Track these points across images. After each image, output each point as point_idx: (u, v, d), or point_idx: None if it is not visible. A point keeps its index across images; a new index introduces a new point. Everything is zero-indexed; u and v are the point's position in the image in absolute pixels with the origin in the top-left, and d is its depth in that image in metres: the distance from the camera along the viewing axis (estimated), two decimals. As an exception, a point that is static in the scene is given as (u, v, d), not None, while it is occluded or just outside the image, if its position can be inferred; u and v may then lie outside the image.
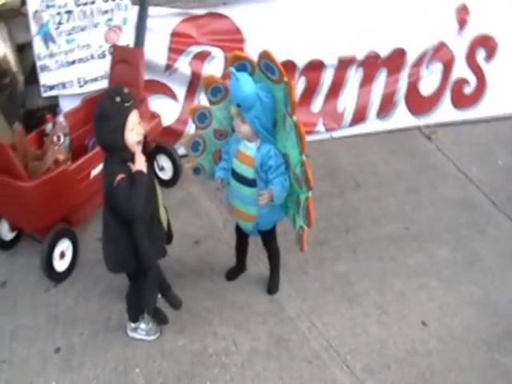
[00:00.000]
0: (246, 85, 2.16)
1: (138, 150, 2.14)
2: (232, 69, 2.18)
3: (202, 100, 3.46)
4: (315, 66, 3.87)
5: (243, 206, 2.47)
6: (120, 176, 2.08)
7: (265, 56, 2.14)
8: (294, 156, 2.26)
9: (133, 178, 2.09)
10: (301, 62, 3.83)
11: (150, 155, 2.34)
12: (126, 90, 2.08)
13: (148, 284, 2.31)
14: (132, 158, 2.13)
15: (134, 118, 2.08)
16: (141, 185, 2.09)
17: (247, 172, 2.38)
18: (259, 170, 2.34)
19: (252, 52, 2.35)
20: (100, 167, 2.73)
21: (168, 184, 3.46)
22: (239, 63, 2.23)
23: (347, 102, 4.09)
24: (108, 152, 2.17)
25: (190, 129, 3.66)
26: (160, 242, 2.39)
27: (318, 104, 4.06)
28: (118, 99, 2.03)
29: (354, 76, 4.02)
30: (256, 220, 2.49)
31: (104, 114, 2.06)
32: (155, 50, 3.49)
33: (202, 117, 2.50)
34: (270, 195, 2.33)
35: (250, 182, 2.39)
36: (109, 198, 2.14)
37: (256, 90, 2.18)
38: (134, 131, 2.10)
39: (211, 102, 2.45)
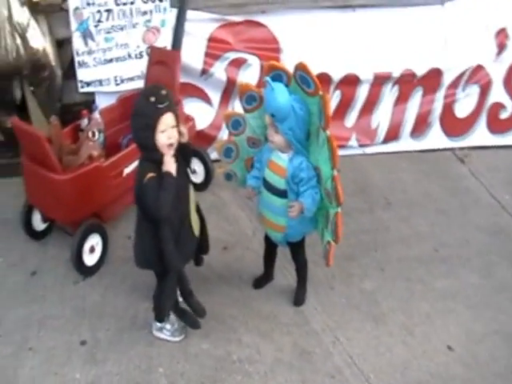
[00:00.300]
0: (281, 95, 2.23)
1: (168, 153, 2.18)
2: (268, 78, 2.25)
3: (237, 107, 3.51)
4: (350, 81, 3.96)
5: (273, 216, 2.54)
6: (150, 175, 2.16)
7: (301, 68, 2.20)
8: (326, 170, 2.33)
9: (162, 179, 2.17)
10: (336, 76, 3.92)
11: (187, 159, 2.40)
12: (163, 92, 2.14)
13: (167, 284, 2.43)
14: (162, 159, 2.18)
15: (166, 119, 2.13)
16: (168, 186, 2.15)
17: (278, 183, 2.44)
18: (290, 181, 2.40)
19: (288, 62, 2.43)
20: (133, 166, 2.88)
21: (199, 188, 3.52)
22: (275, 73, 2.29)
23: (381, 118, 4.17)
24: (141, 150, 2.26)
25: (223, 134, 3.77)
26: (188, 247, 2.42)
27: (351, 119, 4.15)
28: (152, 99, 2.10)
29: (390, 93, 4.11)
30: (285, 231, 2.56)
31: (138, 112, 2.15)
32: (192, 53, 3.62)
33: (235, 124, 2.58)
34: (301, 207, 2.39)
35: (280, 193, 2.46)
36: (138, 196, 2.23)
37: (291, 102, 2.24)
38: (166, 133, 2.15)
39: (246, 110, 2.54)
